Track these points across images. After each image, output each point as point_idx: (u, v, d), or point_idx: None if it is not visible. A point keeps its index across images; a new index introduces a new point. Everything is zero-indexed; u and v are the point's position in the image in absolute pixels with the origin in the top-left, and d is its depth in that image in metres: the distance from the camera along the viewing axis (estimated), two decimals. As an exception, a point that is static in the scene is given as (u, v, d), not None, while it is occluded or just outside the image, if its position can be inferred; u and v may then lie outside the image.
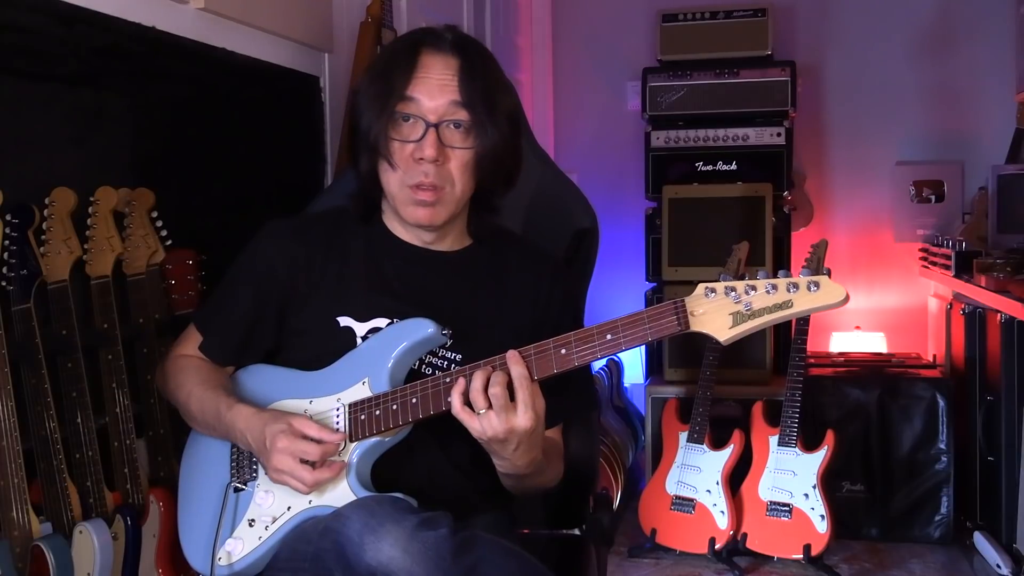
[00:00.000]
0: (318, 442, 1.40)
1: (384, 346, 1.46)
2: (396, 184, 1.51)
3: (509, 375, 1.35)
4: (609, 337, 1.33)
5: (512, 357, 1.36)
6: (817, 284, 1.25)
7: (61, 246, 1.85)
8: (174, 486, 1.65)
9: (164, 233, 2.07)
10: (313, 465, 1.39)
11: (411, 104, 1.48)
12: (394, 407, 1.41)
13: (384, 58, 1.57)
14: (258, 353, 1.60)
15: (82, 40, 1.79)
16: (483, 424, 1.35)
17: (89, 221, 1.95)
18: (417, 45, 1.51)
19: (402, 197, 1.51)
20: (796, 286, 1.26)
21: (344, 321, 1.52)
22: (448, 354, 1.52)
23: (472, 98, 1.48)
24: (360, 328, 1.52)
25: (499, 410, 1.34)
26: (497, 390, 1.34)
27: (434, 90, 1.47)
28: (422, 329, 1.44)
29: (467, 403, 1.37)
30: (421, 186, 1.48)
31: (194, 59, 2.05)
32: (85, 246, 1.92)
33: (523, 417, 1.34)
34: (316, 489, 1.41)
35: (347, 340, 1.51)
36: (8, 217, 1.78)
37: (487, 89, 1.50)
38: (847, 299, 1.25)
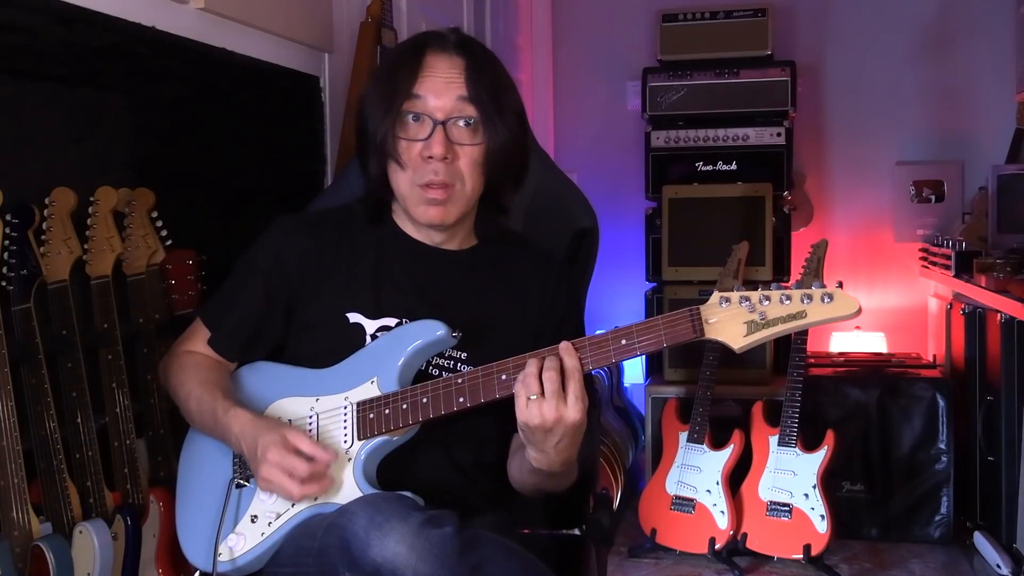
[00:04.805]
0: (309, 458, 1.38)
1: (394, 346, 1.46)
2: (406, 184, 1.51)
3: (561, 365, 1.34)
4: (624, 342, 1.34)
5: (566, 349, 1.35)
6: (831, 296, 1.26)
7: (61, 246, 1.85)
8: (174, 486, 1.64)
9: (164, 233, 2.08)
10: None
11: (418, 102, 1.48)
12: (404, 406, 1.41)
13: (389, 61, 1.57)
14: (266, 348, 1.59)
15: (82, 40, 1.79)
16: (531, 410, 1.33)
17: (89, 221, 1.95)
18: (422, 46, 1.51)
19: (413, 197, 1.51)
20: (810, 297, 1.27)
21: (354, 317, 1.52)
22: (455, 353, 1.53)
23: (479, 94, 1.48)
24: (370, 325, 1.52)
25: (551, 395, 1.32)
26: (552, 374, 1.33)
27: (440, 88, 1.48)
28: (432, 331, 1.44)
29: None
30: (431, 184, 1.49)
31: (194, 59, 2.05)
32: (85, 246, 1.92)
33: (573, 408, 1.33)
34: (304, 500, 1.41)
35: (357, 336, 1.51)
36: (8, 217, 1.78)
37: (493, 86, 1.50)
38: (859, 311, 1.27)
